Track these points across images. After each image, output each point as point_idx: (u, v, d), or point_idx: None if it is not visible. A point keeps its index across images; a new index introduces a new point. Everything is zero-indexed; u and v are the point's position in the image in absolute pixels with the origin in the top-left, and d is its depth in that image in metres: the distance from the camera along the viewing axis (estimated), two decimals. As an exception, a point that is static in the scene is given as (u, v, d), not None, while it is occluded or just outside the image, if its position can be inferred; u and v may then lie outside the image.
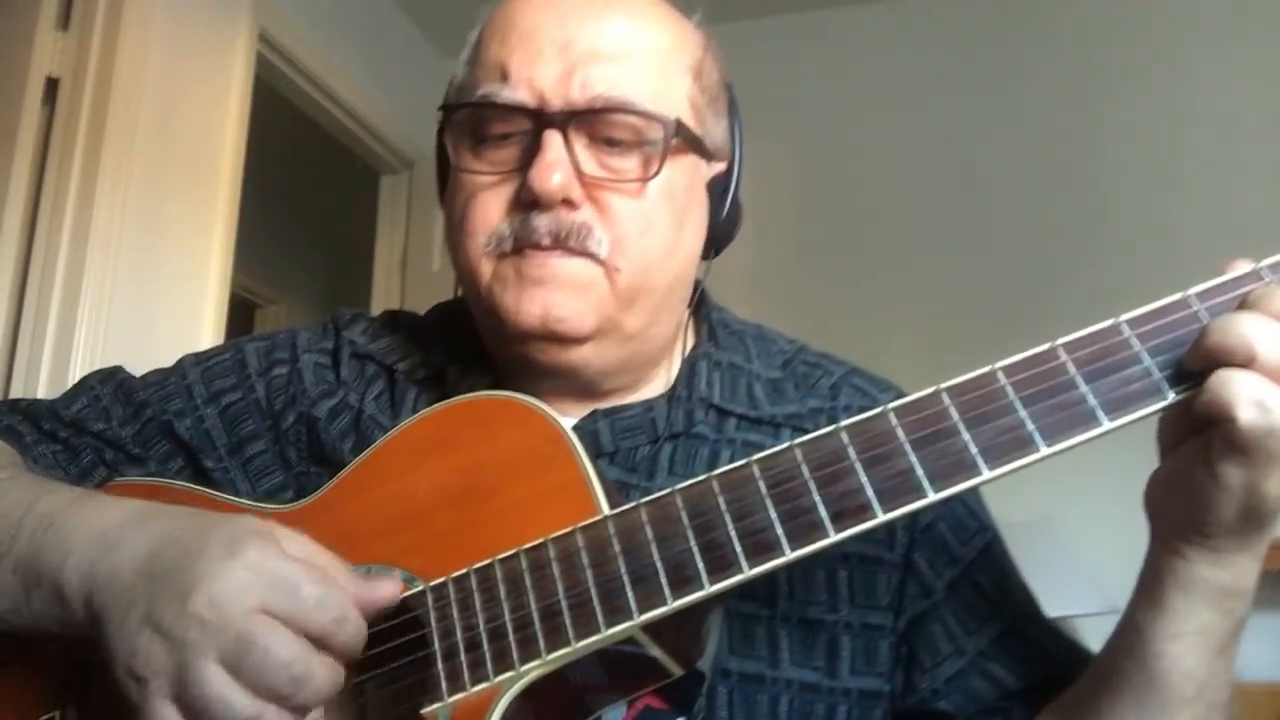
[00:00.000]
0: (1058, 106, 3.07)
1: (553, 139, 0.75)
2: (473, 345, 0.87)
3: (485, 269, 0.79)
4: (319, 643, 0.61)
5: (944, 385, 0.63)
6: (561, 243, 0.76)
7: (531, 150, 0.76)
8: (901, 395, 0.85)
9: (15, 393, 2.06)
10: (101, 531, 0.67)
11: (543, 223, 0.76)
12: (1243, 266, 0.62)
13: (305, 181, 4.12)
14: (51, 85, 2.21)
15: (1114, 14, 3.08)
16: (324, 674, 0.61)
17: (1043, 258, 2.96)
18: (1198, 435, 0.61)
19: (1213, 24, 2.98)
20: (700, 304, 0.93)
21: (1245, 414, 0.57)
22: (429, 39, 3.45)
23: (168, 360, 0.94)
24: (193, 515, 0.68)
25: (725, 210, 0.86)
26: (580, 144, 0.77)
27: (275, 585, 0.61)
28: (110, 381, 0.91)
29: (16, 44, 2.18)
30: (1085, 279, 2.61)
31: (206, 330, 2.42)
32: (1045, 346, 0.62)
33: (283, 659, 0.59)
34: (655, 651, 0.66)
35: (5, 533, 0.70)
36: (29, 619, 0.69)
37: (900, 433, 0.62)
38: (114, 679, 0.62)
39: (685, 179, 0.81)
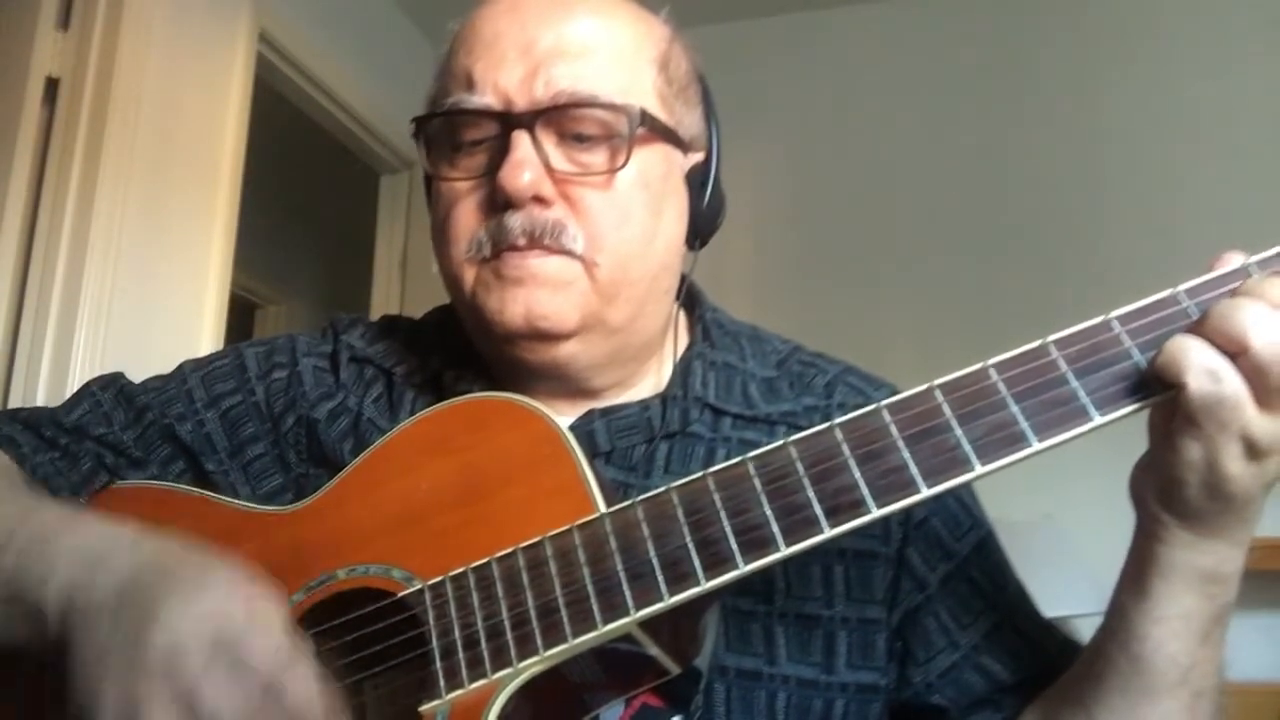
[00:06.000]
0: (1058, 107, 3.07)
1: (520, 138, 0.76)
2: (467, 348, 0.87)
3: (468, 275, 0.80)
4: (264, 697, 0.59)
5: (936, 382, 0.64)
6: (537, 241, 0.77)
7: (502, 152, 0.77)
8: (896, 394, 0.86)
9: (15, 393, 2.06)
10: (88, 551, 0.67)
11: (516, 222, 0.77)
12: (1232, 261, 0.62)
13: (305, 181, 4.12)
14: (51, 85, 2.21)
15: (1114, 14, 3.08)
16: None
17: (1043, 258, 2.96)
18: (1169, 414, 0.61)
19: (1213, 24, 2.99)
20: (694, 304, 0.94)
21: (1195, 381, 0.58)
22: (429, 39, 3.45)
23: (168, 360, 0.94)
24: (179, 545, 0.67)
25: (706, 200, 0.86)
26: (549, 142, 0.78)
27: (226, 635, 0.59)
28: (111, 387, 0.91)
29: (16, 44, 2.18)
30: (1085, 279, 2.61)
31: (206, 330, 2.42)
32: (1036, 343, 0.62)
33: (232, 716, 0.58)
34: (652, 649, 0.66)
35: None
36: (5, 636, 0.69)
37: (893, 429, 0.63)
38: (68, 697, 0.61)
39: (659, 169, 0.82)
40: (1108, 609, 0.71)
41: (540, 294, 0.77)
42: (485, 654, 0.66)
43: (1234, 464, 0.59)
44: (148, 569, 0.64)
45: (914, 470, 0.61)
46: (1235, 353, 0.58)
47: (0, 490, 0.78)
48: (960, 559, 0.82)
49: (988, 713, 0.79)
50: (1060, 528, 2.47)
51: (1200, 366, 0.58)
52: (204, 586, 0.62)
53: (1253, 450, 0.59)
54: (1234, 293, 0.60)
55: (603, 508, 0.68)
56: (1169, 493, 0.63)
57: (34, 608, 0.66)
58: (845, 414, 0.65)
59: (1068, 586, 2.27)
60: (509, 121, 0.77)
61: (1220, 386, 0.58)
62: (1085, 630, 0.83)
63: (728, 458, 0.79)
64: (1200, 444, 0.60)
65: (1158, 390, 0.60)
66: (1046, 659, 0.80)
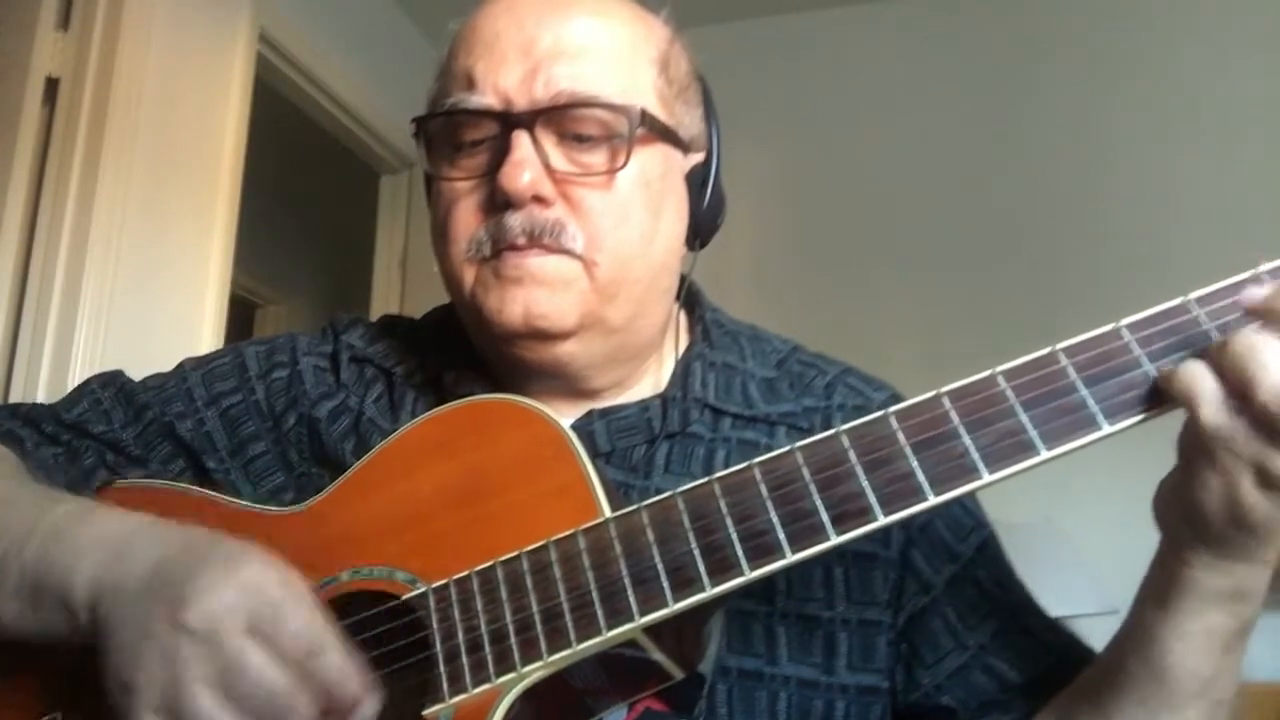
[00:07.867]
0: (1059, 108, 3.07)
1: (520, 138, 0.76)
2: (467, 349, 0.87)
3: (468, 275, 0.80)
4: (301, 671, 0.61)
5: (944, 389, 0.63)
6: (536, 240, 0.77)
7: (502, 152, 0.77)
8: (896, 396, 0.86)
9: (15, 392, 2.06)
10: (113, 540, 0.68)
11: (516, 221, 0.77)
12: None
13: (305, 181, 4.12)
14: (51, 85, 2.21)
15: (1114, 16, 3.08)
16: (307, 708, 0.61)
17: (1044, 259, 2.97)
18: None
19: (1213, 24, 2.99)
20: (694, 304, 0.94)
21: (1206, 411, 0.57)
22: (429, 39, 3.45)
23: (168, 360, 0.94)
24: (204, 530, 0.68)
25: (706, 200, 0.86)
26: (549, 142, 0.78)
27: (263, 608, 0.61)
28: (112, 385, 0.91)
29: (16, 44, 2.18)
30: (1085, 280, 2.61)
31: (206, 330, 2.42)
32: (1045, 351, 0.62)
33: (274, 688, 0.59)
34: (656, 655, 0.66)
35: (14, 542, 0.71)
36: (34, 626, 0.70)
37: (901, 436, 0.62)
38: (105, 685, 0.62)
39: (658, 169, 0.82)
40: (1126, 620, 0.70)
41: (539, 293, 0.77)
42: (489, 658, 0.66)
43: (1250, 494, 0.58)
44: (178, 551, 0.65)
45: (921, 478, 0.61)
46: (1244, 394, 0.57)
47: (13, 485, 0.78)
48: (965, 560, 0.82)
49: (997, 714, 0.79)
50: (1060, 529, 2.47)
51: (1212, 397, 0.57)
52: (238, 563, 0.63)
53: (1267, 480, 0.58)
54: (1262, 325, 0.58)
55: (607, 511, 0.68)
56: (1192, 516, 0.62)
57: (60, 599, 0.67)
58: (844, 415, 0.65)
59: (1067, 587, 2.27)
60: (509, 121, 0.77)
61: (1231, 418, 0.57)
62: (1085, 631, 0.83)
63: (728, 458, 0.80)
64: (1215, 472, 0.59)
65: (1168, 401, 0.60)
66: (1054, 658, 0.80)
